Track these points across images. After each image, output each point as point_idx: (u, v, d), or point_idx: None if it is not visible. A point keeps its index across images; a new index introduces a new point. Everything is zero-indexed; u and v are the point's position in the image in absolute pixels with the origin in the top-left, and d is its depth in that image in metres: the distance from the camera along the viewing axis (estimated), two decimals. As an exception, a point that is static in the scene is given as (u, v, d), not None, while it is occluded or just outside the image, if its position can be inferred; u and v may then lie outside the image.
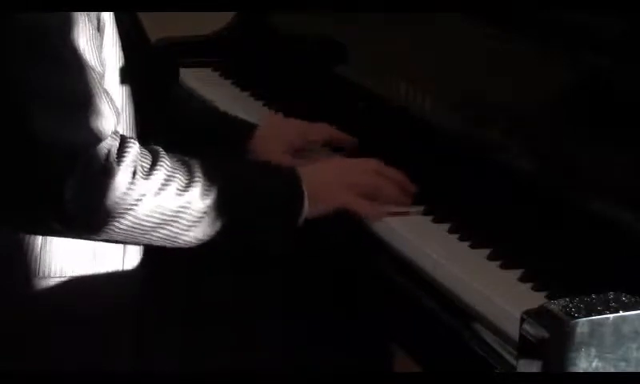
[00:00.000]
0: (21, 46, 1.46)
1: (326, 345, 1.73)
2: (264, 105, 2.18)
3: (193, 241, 1.55)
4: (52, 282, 1.55)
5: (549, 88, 1.60)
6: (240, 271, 1.84)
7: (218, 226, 1.55)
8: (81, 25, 1.49)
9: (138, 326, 1.63)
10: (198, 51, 2.41)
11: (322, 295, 1.80)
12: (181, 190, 1.52)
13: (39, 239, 1.54)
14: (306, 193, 1.60)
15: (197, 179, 1.53)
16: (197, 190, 1.53)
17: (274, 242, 1.66)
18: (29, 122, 1.44)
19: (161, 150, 1.55)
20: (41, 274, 1.55)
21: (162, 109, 1.82)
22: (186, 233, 1.54)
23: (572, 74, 1.56)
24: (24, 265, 1.54)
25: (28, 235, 1.54)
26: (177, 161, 1.54)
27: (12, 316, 1.56)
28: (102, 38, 1.54)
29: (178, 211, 1.52)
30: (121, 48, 1.60)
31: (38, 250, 1.54)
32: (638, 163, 1.43)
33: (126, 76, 1.60)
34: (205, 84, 2.30)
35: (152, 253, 1.64)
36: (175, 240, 1.54)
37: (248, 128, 1.88)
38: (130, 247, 1.60)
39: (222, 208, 1.54)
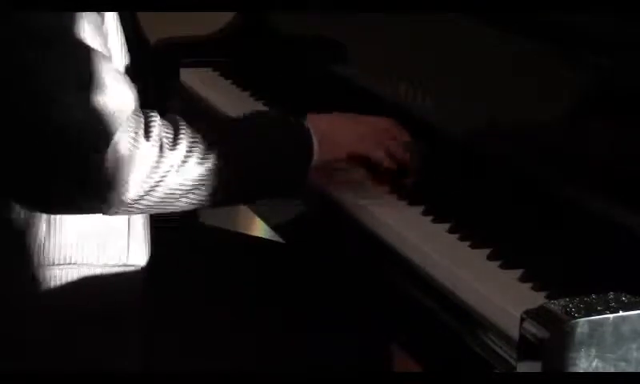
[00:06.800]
0: (32, 36, 1.46)
1: (326, 345, 1.73)
2: (264, 105, 2.18)
3: (218, 201, 1.59)
4: (56, 271, 1.56)
5: (549, 88, 1.60)
6: (241, 270, 1.85)
7: (238, 184, 1.61)
8: (86, 18, 1.49)
9: (141, 325, 1.63)
10: (198, 51, 2.41)
11: (321, 295, 1.80)
12: (203, 156, 1.55)
13: (44, 227, 1.55)
14: (314, 136, 1.67)
15: (215, 142, 1.56)
16: (216, 152, 1.55)
17: (290, 186, 1.69)
18: (52, 108, 1.45)
19: (179, 118, 1.57)
20: (45, 262, 1.56)
21: (161, 109, 1.82)
22: (212, 196, 1.57)
23: (572, 74, 1.56)
24: (27, 253, 1.55)
25: (32, 223, 1.55)
26: (194, 125, 1.57)
27: (14, 309, 1.56)
28: (107, 39, 1.55)
29: (202, 176, 1.54)
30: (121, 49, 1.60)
31: (42, 238, 1.55)
32: (639, 163, 1.43)
33: (128, 76, 1.61)
34: (205, 84, 2.30)
35: (155, 244, 1.66)
36: (202, 203, 1.57)
37: None
38: (133, 236, 1.62)
39: (240, 166, 1.60)
